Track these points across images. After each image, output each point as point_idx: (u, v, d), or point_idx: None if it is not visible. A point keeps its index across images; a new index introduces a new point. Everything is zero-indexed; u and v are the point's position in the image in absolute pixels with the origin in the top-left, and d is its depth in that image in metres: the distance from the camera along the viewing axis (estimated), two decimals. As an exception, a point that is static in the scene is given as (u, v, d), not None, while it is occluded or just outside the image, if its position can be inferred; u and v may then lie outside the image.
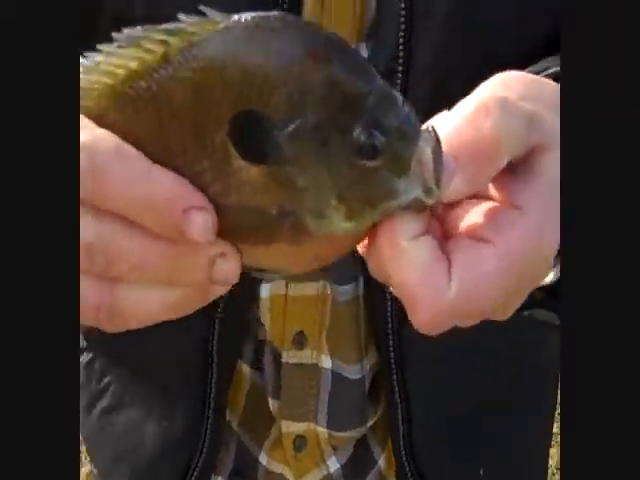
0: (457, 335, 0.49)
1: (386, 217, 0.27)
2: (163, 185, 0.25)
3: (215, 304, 0.48)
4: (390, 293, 0.48)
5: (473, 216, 0.28)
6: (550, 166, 0.28)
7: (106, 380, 0.59)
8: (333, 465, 0.56)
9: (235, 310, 0.50)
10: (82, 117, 0.26)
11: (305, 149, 0.26)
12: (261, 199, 0.27)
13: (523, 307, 0.37)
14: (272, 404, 0.54)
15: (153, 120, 0.27)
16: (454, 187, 0.27)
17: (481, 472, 0.57)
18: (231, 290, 0.41)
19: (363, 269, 0.47)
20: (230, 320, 0.51)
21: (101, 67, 0.27)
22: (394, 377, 0.51)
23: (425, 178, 0.26)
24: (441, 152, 0.26)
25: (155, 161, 0.26)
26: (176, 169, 0.26)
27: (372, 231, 0.28)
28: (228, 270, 0.27)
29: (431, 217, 0.28)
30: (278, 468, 0.57)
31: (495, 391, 0.57)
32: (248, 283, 0.45)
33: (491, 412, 0.57)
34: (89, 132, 0.26)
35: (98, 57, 0.27)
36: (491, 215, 0.28)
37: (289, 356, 0.53)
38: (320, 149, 0.26)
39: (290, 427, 0.55)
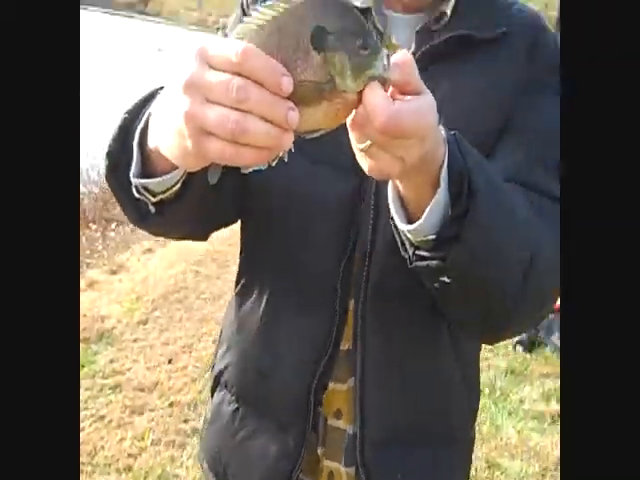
0: (406, 388, 0.97)
1: (368, 87, 0.59)
2: (274, 67, 0.56)
3: (309, 391, 0.96)
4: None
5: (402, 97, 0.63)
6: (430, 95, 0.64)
7: (244, 422, 1.03)
8: None
9: (315, 396, 0.96)
10: (241, 37, 0.59)
11: (339, 45, 0.58)
12: (319, 72, 0.58)
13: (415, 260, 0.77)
14: (320, 450, 0.99)
15: (275, 38, 0.58)
16: (397, 73, 0.61)
17: (399, 476, 0.97)
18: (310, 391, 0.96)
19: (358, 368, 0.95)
20: (312, 400, 0.96)
21: (255, 17, 0.59)
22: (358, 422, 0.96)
23: (384, 65, 0.59)
24: (390, 58, 0.60)
25: (274, 57, 0.57)
26: (283, 60, 0.57)
27: (359, 100, 0.60)
28: (294, 117, 0.56)
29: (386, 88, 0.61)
30: None
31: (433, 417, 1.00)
32: (320, 385, 0.96)
33: (423, 435, 0.99)
34: (247, 44, 0.56)
35: (255, 14, 0.59)
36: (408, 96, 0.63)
37: (332, 422, 0.98)
38: (345, 46, 0.58)
39: (328, 464, 0.99)
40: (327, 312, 0.94)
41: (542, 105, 0.89)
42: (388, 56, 0.60)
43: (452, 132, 0.72)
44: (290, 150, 0.59)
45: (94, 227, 5.55)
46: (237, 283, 1.05)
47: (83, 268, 4.75)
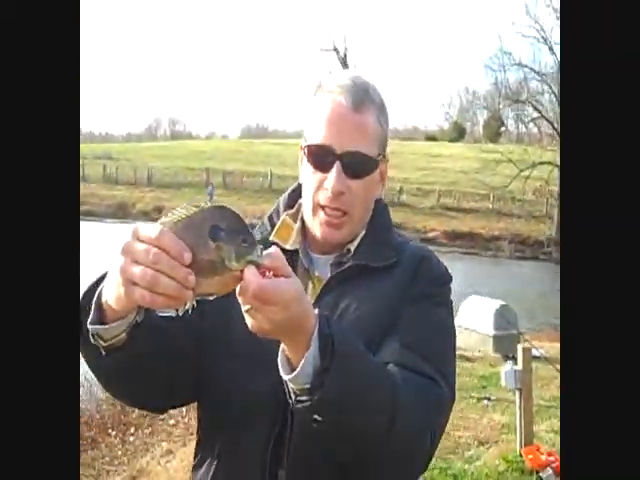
0: None
1: (246, 268, 0.90)
2: (180, 245, 0.87)
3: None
4: None
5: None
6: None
7: None
8: None
9: None
10: (162, 226, 0.90)
11: (228, 238, 0.89)
12: (214, 255, 0.89)
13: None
14: None
15: (186, 229, 0.89)
16: (268, 260, 0.92)
17: None
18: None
19: None
20: None
21: (174, 214, 0.90)
22: None
23: (258, 252, 0.90)
24: (263, 250, 0.92)
25: (183, 241, 0.88)
26: (190, 245, 0.87)
27: (240, 276, 0.90)
28: (192, 279, 0.87)
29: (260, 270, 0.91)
30: None
31: None
32: None
33: None
34: (165, 229, 0.88)
35: (176, 212, 0.91)
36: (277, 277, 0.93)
37: None
38: (232, 238, 0.89)
39: None
40: None
41: (419, 310, 1.22)
42: (262, 249, 0.92)
43: (325, 314, 1.03)
44: (193, 306, 0.90)
45: (113, 433, 5.56)
46: (194, 458, 1.32)
47: (103, 476, 4.72)
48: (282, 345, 1.01)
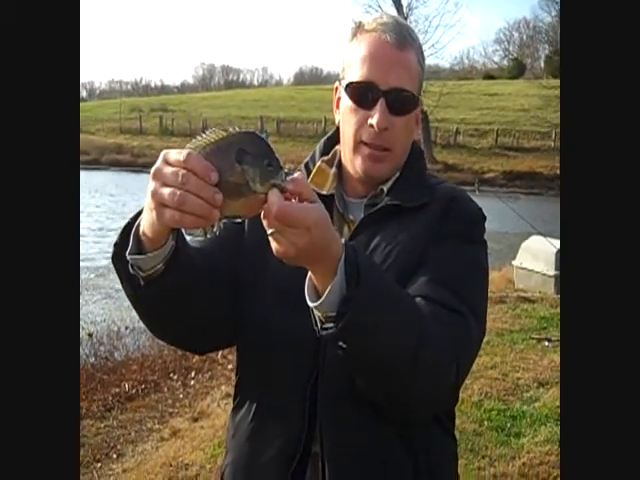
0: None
1: (270, 191, 0.90)
2: (207, 166, 0.89)
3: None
4: None
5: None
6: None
7: None
8: None
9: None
10: (192, 150, 0.91)
11: (253, 162, 0.90)
12: (239, 177, 0.90)
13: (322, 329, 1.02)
14: None
15: (213, 152, 0.90)
16: (291, 184, 0.92)
17: None
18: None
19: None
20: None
21: (203, 138, 0.91)
22: None
23: (282, 177, 0.91)
24: (287, 174, 0.92)
25: (211, 163, 0.89)
26: (217, 167, 0.89)
27: (265, 200, 0.90)
28: (219, 198, 0.88)
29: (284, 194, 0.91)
30: None
31: None
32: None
33: None
34: (192, 152, 0.90)
35: (204, 136, 0.92)
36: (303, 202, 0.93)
37: None
38: (257, 162, 0.90)
39: None
40: (299, 420, 1.19)
41: (448, 248, 1.22)
42: (286, 174, 0.92)
43: (351, 243, 1.03)
44: (220, 227, 0.92)
45: (175, 377, 5.72)
46: (234, 400, 1.35)
47: (166, 417, 4.87)
48: (309, 273, 1.01)
